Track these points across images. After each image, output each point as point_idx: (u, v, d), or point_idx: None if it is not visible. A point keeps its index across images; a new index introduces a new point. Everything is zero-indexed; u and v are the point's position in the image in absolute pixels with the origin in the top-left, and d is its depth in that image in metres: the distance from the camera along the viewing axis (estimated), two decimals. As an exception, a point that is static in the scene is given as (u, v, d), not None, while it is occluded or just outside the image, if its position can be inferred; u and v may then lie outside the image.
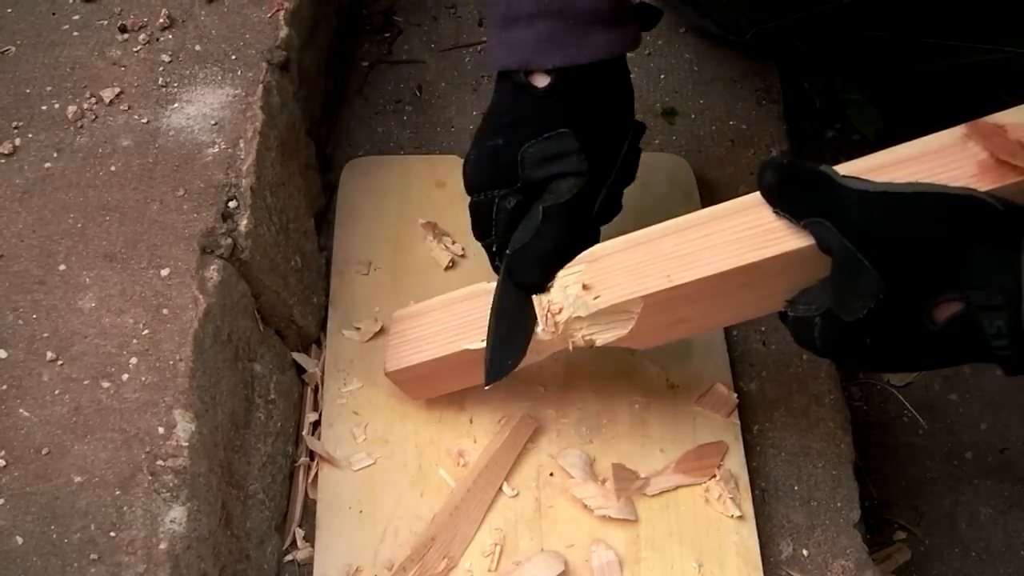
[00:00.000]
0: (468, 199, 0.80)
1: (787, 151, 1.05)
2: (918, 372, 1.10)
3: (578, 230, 0.76)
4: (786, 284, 0.67)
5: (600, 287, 0.73)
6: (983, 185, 0.59)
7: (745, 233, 0.67)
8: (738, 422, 0.87)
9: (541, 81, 0.76)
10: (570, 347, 0.77)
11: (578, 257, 0.75)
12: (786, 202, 0.64)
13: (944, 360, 0.61)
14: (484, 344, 0.77)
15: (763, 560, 0.81)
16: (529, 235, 0.75)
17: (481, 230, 0.80)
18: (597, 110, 0.78)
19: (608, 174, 0.79)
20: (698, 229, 0.69)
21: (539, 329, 0.76)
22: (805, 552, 0.84)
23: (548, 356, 0.80)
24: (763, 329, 0.94)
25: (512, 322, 0.77)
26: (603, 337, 0.75)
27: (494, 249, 0.80)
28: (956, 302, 0.58)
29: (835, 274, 0.62)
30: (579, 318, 0.74)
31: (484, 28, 0.79)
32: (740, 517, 0.82)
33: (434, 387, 0.85)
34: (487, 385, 0.77)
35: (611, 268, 0.73)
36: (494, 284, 0.79)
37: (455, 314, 0.82)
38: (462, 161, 0.80)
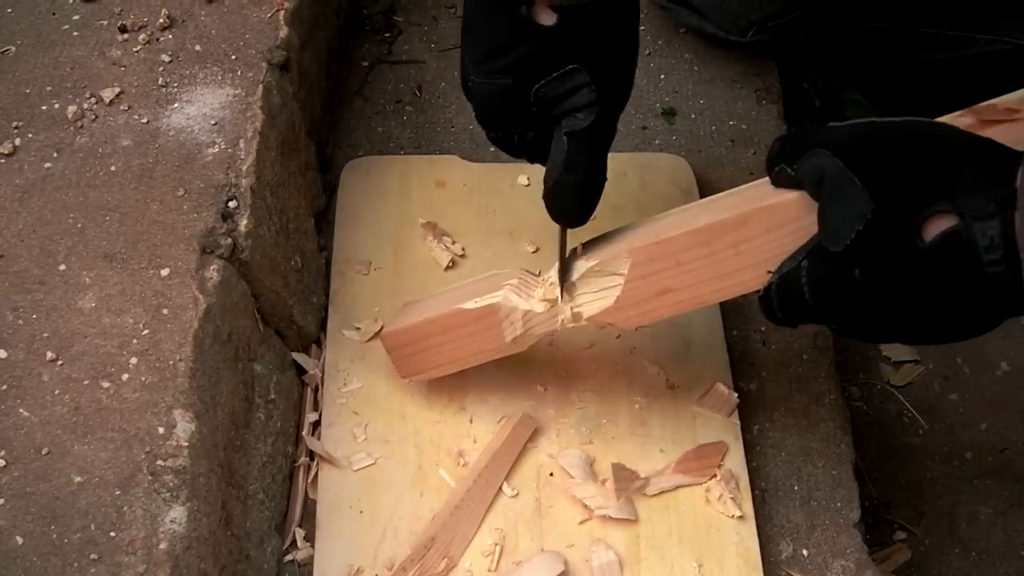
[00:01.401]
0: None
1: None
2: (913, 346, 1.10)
3: (601, 157, 0.76)
4: (774, 249, 0.67)
5: (591, 253, 0.76)
6: None
7: (737, 199, 0.69)
8: (738, 422, 0.87)
9: (547, 18, 0.73)
10: (559, 324, 0.77)
11: (582, 243, 0.78)
12: (786, 153, 0.65)
13: (935, 287, 0.59)
14: (477, 304, 0.78)
15: (763, 560, 0.81)
16: (559, 170, 0.74)
17: (506, 151, 0.79)
18: (604, 42, 0.75)
19: (619, 101, 0.78)
20: (697, 205, 0.73)
21: (532, 303, 0.77)
22: (805, 552, 0.84)
23: (540, 342, 0.80)
24: (763, 329, 0.94)
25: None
26: (591, 308, 0.75)
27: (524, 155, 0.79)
28: (947, 215, 0.57)
29: (824, 201, 0.62)
30: (572, 287, 0.75)
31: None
32: (740, 517, 0.82)
33: (425, 360, 0.84)
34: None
35: (606, 240, 0.76)
36: (501, 273, 0.81)
37: (460, 291, 0.82)
38: (471, 99, 0.77)
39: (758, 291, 0.69)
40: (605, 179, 0.75)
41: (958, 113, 0.65)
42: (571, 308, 0.76)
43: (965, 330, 0.62)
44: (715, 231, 0.68)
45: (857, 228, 0.59)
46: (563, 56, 0.73)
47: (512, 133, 0.76)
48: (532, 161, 0.78)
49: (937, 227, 0.58)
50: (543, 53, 0.73)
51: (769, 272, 0.67)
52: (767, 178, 0.68)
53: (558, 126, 0.74)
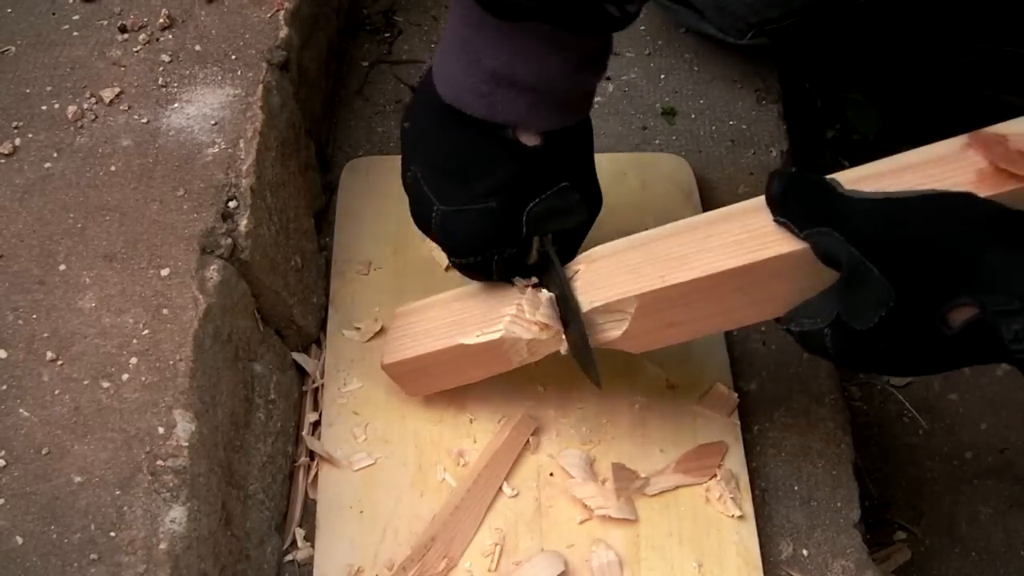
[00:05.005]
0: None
1: (787, 151, 1.05)
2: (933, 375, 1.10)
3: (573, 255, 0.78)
4: (780, 289, 0.67)
5: (596, 287, 0.74)
6: (982, 192, 0.59)
7: (742, 236, 0.67)
8: (738, 422, 0.87)
9: (530, 139, 0.72)
10: (562, 350, 0.77)
11: (577, 258, 0.76)
12: (790, 210, 0.64)
13: (961, 362, 0.61)
14: (479, 339, 0.77)
15: (763, 560, 0.81)
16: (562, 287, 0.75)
17: (478, 277, 0.78)
18: (583, 159, 0.77)
19: (596, 212, 0.78)
20: (696, 231, 0.70)
21: (533, 329, 0.76)
22: (805, 552, 0.84)
23: (545, 357, 0.80)
24: (763, 329, 0.94)
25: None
26: (597, 338, 0.75)
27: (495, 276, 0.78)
28: (971, 306, 0.57)
29: (843, 283, 0.62)
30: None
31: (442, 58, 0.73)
32: (740, 517, 0.82)
33: (430, 383, 0.85)
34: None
35: (608, 268, 0.74)
36: (498, 292, 0.79)
37: (453, 311, 0.82)
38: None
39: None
40: None
41: (963, 141, 0.62)
42: None
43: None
44: (722, 278, 0.68)
45: (880, 314, 0.59)
46: (553, 175, 0.73)
47: (492, 256, 0.74)
48: (504, 279, 0.77)
49: (962, 315, 0.58)
50: (533, 173, 0.72)
51: (785, 317, 0.67)
52: (763, 199, 0.67)
53: (543, 240, 0.75)
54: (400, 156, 0.78)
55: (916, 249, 0.58)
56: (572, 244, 0.78)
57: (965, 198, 0.59)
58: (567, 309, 0.75)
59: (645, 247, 0.72)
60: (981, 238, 0.57)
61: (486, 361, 0.80)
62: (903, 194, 0.60)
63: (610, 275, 0.73)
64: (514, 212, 0.72)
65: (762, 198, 0.66)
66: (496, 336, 0.77)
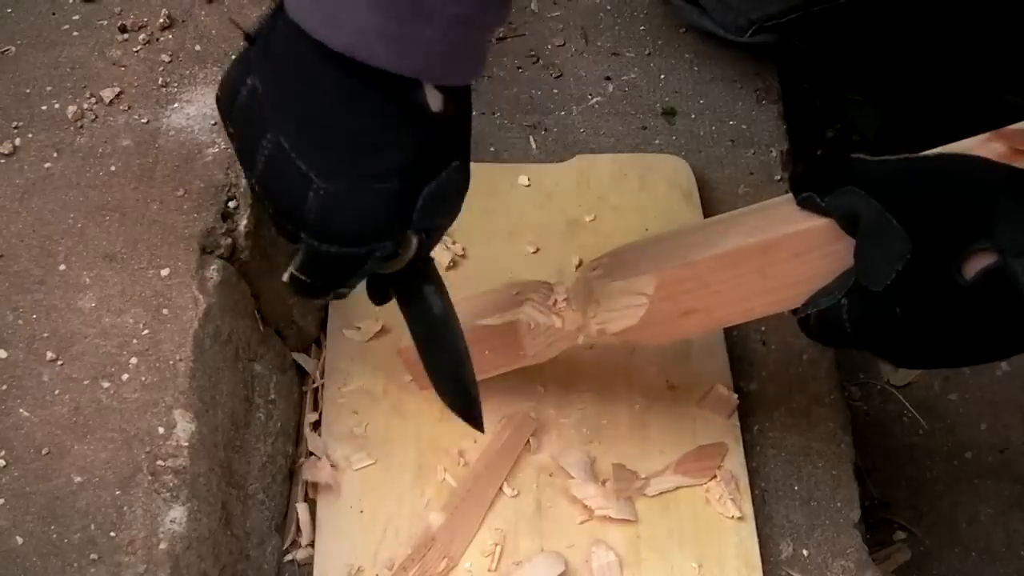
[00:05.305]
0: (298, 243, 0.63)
1: (787, 151, 1.05)
2: (937, 369, 1.10)
3: None
4: (800, 273, 0.67)
5: (618, 268, 0.75)
6: None
7: (763, 222, 0.69)
8: (738, 423, 0.87)
9: (435, 101, 0.60)
10: (580, 340, 0.77)
11: (603, 254, 0.77)
12: (813, 180, 0.65)
13: (978, 322, 0.59)
14: (500, 320, 0.77)
15: (763, 560, 0.81)
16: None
17: (331, 281, 0.65)
18: (468, 128, 0.65)
19: (462, 199, 0.67)
20: (721, 223, 0.72)
21: (554, 319, 0.77)
22: (805, 552, 0.84)
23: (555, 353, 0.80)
24: (763, 329, 0.94)
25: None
26: (616, 325, 0.75)
27: (334, 295, 0.68)
28: (987, 253, 0.57)
29: (862, 241, 0.62)
30: (595, 303, 0.75)
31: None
32: (740, 518, 0.82)
33: None
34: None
35: (631, 255, 0.75)
36: (516, 284, 0.80)
37: (472, 304, 0.82)
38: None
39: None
40: None
41: (985, 136, 0.63)
42: (595, 324, 0.76)
43: (1004, 353, 0.62)
44: (742, 254, 0.68)
45: (897, 268, 0.59)
46: (449, 149, 0.62)
47: (373, 250, 0.62)
48: (374, 287, 0.69)
49: (977, 264, 0.58)
50: (433, 144, 0.61)
51: (803, 304, 0.67)
52: (790, 195, 0.67)
53: (422, 241, 0.64)
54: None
55: (934, 199, 0.59)
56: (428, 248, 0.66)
57: (980, 158, 0.60)
58: (446, 331, 0.68)
59: (670, 238, 0.74)
60: (999, 189, 0.58)
61: (502, 350, 0.80)
62: (923, 154, 0.62)
63: (632, 260, 0.75)
64: (413, 195, 0.61)
65: (787, 196, 0.68)
66: (515, 318, 0.77)
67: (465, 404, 0.73)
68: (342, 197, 0.59)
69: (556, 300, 0.78)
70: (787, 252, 0.66)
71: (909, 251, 0.59)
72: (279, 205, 0.61)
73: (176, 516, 0.67)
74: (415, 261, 0.65)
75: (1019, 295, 0.56)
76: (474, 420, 0.73)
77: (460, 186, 0.63)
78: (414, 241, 0.64)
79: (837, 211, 0.63)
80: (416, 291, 0.69)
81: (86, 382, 0.71)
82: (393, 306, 0.90)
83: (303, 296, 0.68)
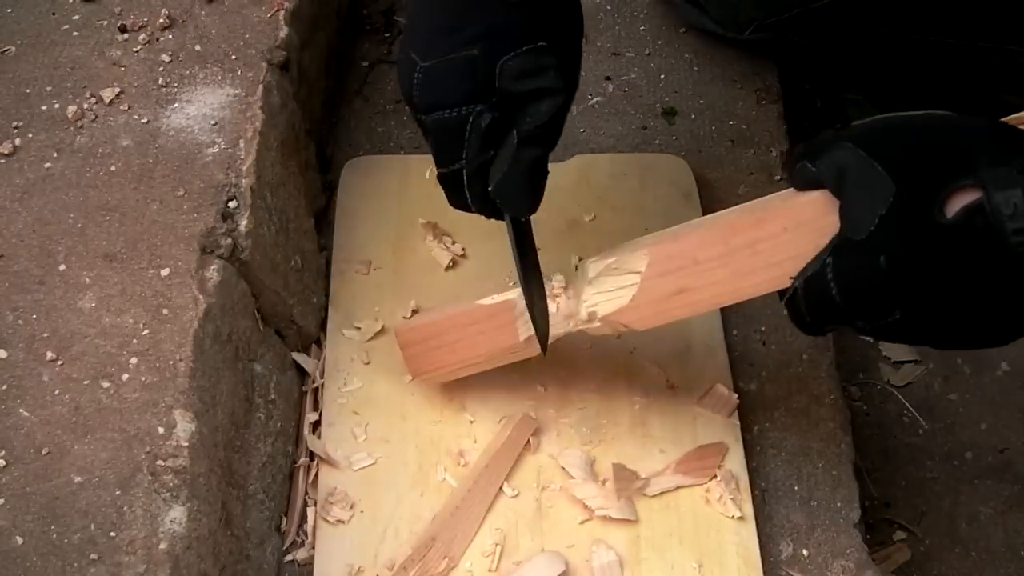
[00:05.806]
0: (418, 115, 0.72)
1: (787, 151, 1.05)
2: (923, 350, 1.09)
3: (551, 147, 0.74)
4: (791, 249, 0.66)
5: (612, 252, 0.76)
6: None
7: (756, 204, 0.70)
8: (738, 423, 0.87)
9: None
10: (571, 326, 0.77)
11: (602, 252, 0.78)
12: (808, 152, 0.65)
13: (962, 270, 0.58)
14: (494, 301, 0.78)
15: (763, 560, 0.81)
16: (507, 162, 0.71)
17: (450, 154, 0.72)
18: (561, 24, 0.73)
19: (574, 91, 0.74)
20: (719, 215, 0.73)
21: (550, 303, 0.78)
22: (805, 552, 0.84)
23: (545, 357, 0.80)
24: (763, 329, 0.94)
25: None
26: (606, 307, 0.75)
27: (465, 175, 0.73)
28: (969, 190, 0.57)
29: (847, 191, 0.62)
30: (588, 285, 0.75)
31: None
32: (740, 518, 0.82)
33: (438, 360, 0.84)
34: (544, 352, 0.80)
35: (628, 246, 0.76)
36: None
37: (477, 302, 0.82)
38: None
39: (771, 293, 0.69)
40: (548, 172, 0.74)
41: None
42: (586, 307, 0.76)
43: (995, 328, 0.61)
44: (733, 228, 0.68)
45: (880, 212, 0.59)
46: (531, 32, 0.70)
47: (468, 115, 0.70)
48: (477, 178, 0.73)
49: (960, 202, 0.58)
50: (511, 25, 0.69)
51: (791, 278, 0.66)
52: (788, 190, 0.68)
53: (512, 119, 0.71)
54: (398, 156, 0.77)
55: (917, 143, 0.61)
56: (555, 124, 0.72)
57: (964, 115, 0.62)
58: (527, 266, 0.76)
59: (668, 229, 0.75)
60: (981, 136, 0.59)
61: (494, 331, 0.80)
62: (907, 113, 0.64)
63: (628, 248, 0.75)
64: (491, 63, 0.69)
65: (786, 190, 0.68)
66: (510, 297, 0.79)
67: (537, 324, 0.78)
68: (432, 69, 0.70)
69: (554, 285, 0.78)
70: (777, 226, 0.67)
71: (892, 194, 0.59)
72: (407, 97, 0.72)
73: (176, 516, 0.67)
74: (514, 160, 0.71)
75: (1001, 230, 0.56)
76: (542, 342, 0.79)
77: (544, 64, 0.70)
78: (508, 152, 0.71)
79: (827, 170, 0.63)
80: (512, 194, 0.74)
81: (86, 382, 0.71)
82: (393, 306, 0.90)
83: (448, 192, 0.75)
